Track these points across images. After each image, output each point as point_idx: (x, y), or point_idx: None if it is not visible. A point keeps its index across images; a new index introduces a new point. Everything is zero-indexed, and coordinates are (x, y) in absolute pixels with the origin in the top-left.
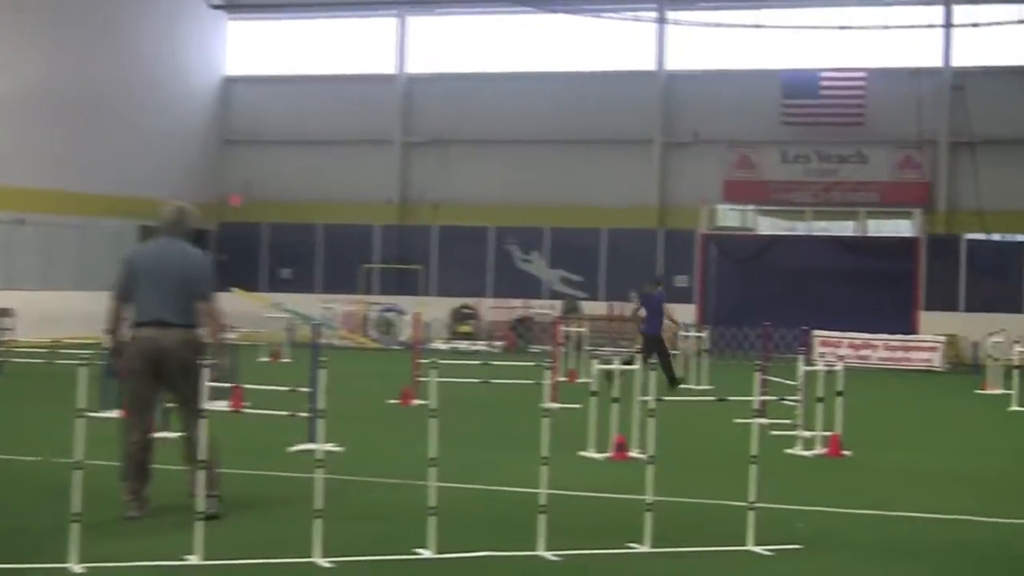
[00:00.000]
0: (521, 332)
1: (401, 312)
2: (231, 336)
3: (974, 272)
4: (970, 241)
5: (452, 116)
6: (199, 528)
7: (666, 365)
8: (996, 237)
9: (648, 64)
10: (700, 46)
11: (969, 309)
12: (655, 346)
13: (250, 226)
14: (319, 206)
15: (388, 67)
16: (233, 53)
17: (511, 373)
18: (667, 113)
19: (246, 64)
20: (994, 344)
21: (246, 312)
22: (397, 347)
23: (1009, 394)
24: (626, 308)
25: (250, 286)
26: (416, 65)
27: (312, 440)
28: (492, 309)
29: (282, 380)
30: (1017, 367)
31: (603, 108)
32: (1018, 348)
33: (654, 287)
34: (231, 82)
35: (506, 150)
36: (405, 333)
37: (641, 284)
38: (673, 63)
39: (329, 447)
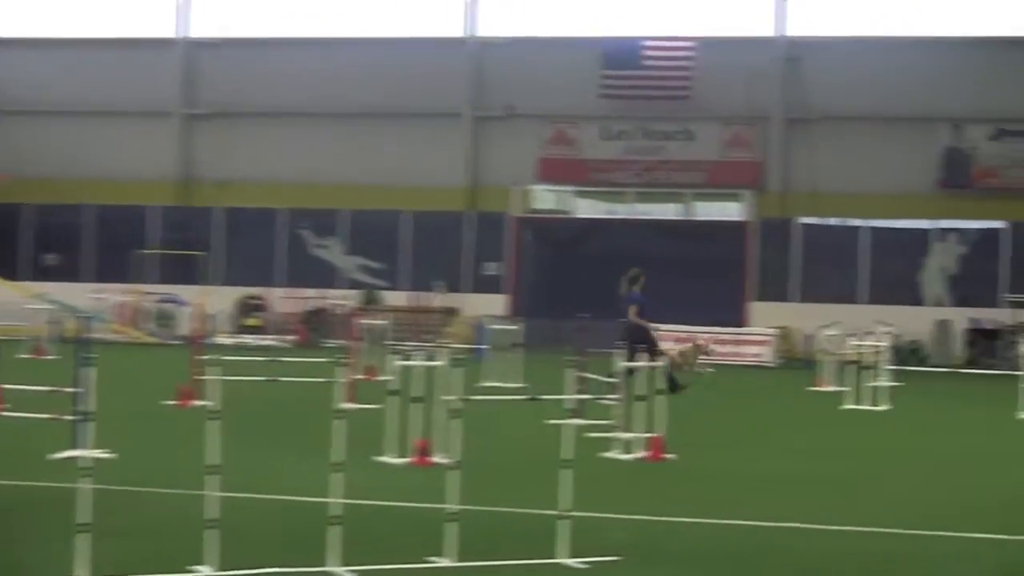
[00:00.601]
0: (315, 325)
1: (180, 303)
2: None
3: (808, 259)
4: (804, 225)
5: (239, 86)
6: None
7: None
8: (832, 221)
9: (456, 30)
10: (514, 11)
11: (802, 299)
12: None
13: (10, 207)
14: (89, 184)
15: (167, 31)
16: None
17: (303, 370)
18: (477, 84)
19: (8, 24)
20: (828, 338)
21: (5, 303)
22: (176, 342)
23: (843, 391)
24: (432, 299)
25: (8, 274)
26: (200, 29)
27: (78, 446)
28: (283, 300)
29: (45, 379)
30: (851, 362)
31: (407, 78)
32: (853, 342)
33: (628, 285)
34: None
35: (299, 124)
36: (185, 326)
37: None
38: (485, 29)
39: (97, 453)
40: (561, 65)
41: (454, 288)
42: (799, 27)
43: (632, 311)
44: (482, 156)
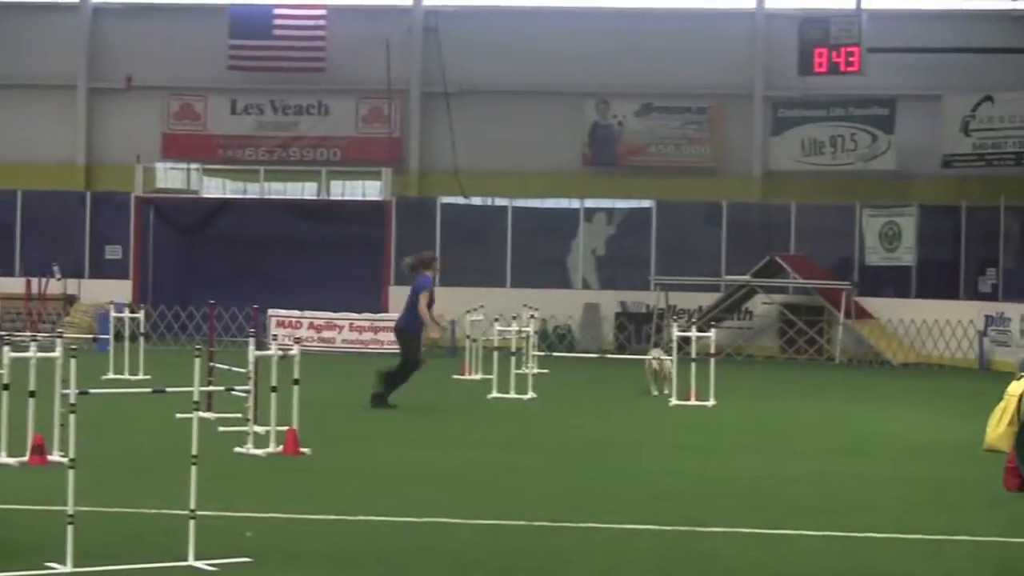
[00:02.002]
0: None
1: None
2: None
3: (450, 241)
4: (446, 205)
5: None
6: None
7: (397, 369)
8: (475, 201)
9: None
10: None
11: (445, 283)
12: (402, 343)
13: None
14: None
15: None
16: None
17: None
18: (93, 53)
19: None
20: (473, 323)
21: None
22: None
23: (490, 379)
24: (49, 285)
25: None
26: None
27: None
28: None
29: None
30: (498, 349)
31: (15, 47)
32: (499, 327)
33: (411, 270)
34: None
35: None
36: None
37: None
38: None
39: None
40: (186, 34)
41: (73, 274)
42: None
43: (424, 299)
44: (100, 131)
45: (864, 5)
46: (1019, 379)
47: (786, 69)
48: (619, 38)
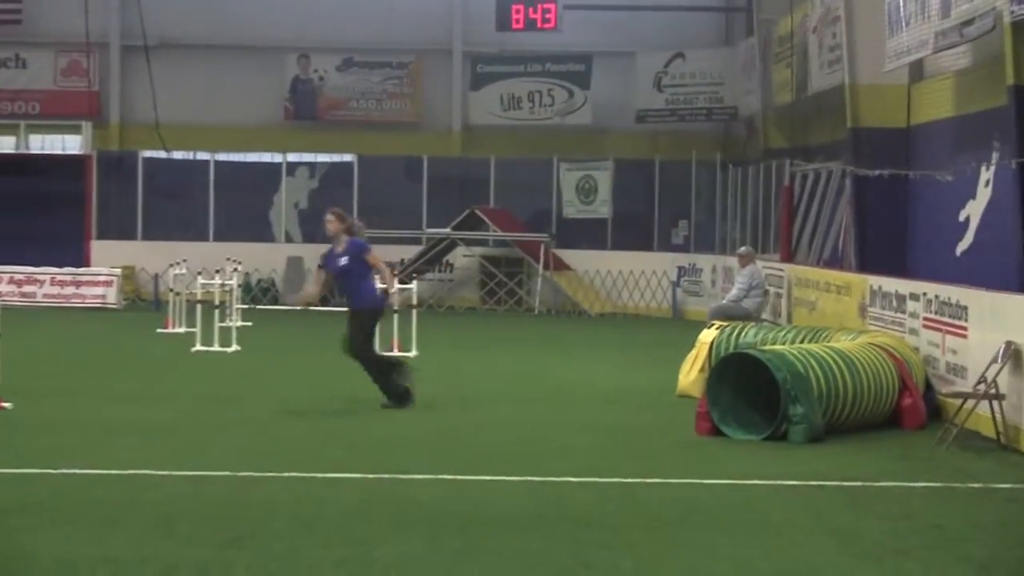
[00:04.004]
0: None
1: None
2: None
3: (152, 195)
4: (147, 159)
5: None
6: None
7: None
8: (177, 155)
9: None
10: None
11: (147, 238)
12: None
13: None
14: None
15: None
16: None
17: None
18: None
19: None
20: (176, 277)
21: None
22: None
23: (193, 332)
24: None
25: None
26: None
27: None
28: None
29: None
30: (201, 302)
31: None
32: (202, 281)
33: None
34: None
35: None
36: None
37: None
38: None
39: None
40: None
41: None
42: None
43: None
44: None
45: None
46: (710, 327)
47: (485, 25)
48: None
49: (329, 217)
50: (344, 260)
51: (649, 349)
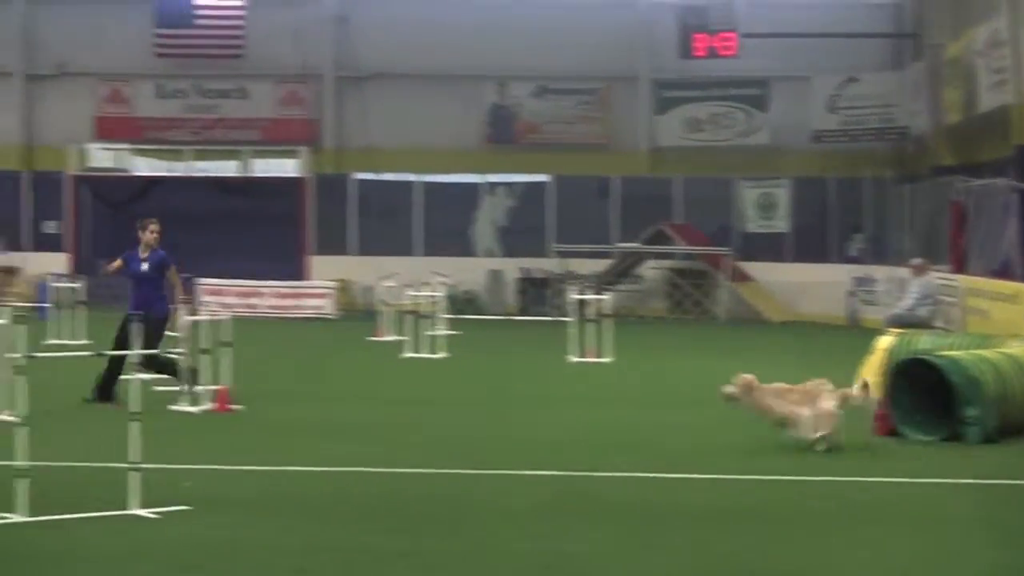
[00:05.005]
0: None
1: None
2: None
3: (364, 214)
4: (359, 181)
5: None
6: None
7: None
8: (386, 176)
9: None
10: None
11: (360, 253)
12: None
13: None
14: None
15: None
16: None
17: None
18: (28, 41)
19: None
20: (386, 289)
21: None
22: None
23: (402, 340)
24: None
25: None
26: None
27: None
28: None
29: None
30: (409, 312)
31: None
32: (410, 292)
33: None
34: None
35: None
36: None
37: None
38: None
39: None
40: (114, 23)
41: (14, 247)
42: None
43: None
44: (36, 115)
45: None
46: (886, 335)
47: (669, 53)
48: (516, 26)
49: (155, 228)
50: (145, 266)
51: (826, 355)
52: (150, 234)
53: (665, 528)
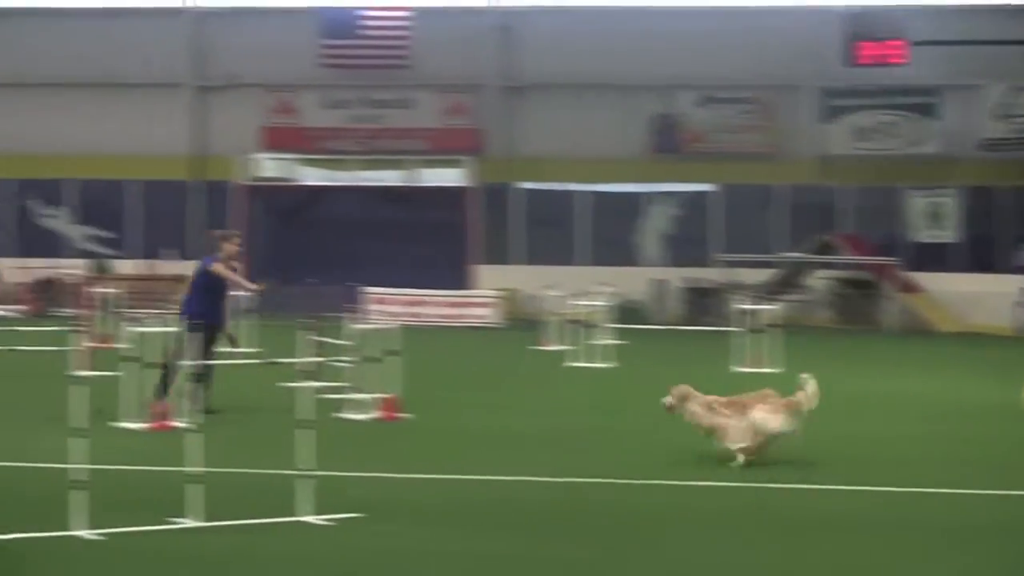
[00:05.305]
0: (45, 295)
1: None
2: None
3: (529, 223)
4: (523, 190)
5: None
6: None
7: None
8: (551, 186)
9: (174, 1)
10: None
11: (524, 262)
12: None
13: None
14: None
15: None
16: None
17: (36, 339)
18: (197, 55)
19: None
20: (551, 298)
21: None
22: None
23: (566, 349)
24: (162, 266)
25: None
26: None
27: None
28: (11, 270)
29: None
30: (574, 322)
31: (128, 49)
32: (574, 302)
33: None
34: None
35: (22, 94)
36: None
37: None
38: (204, 0)
39: None
40: (281, 35)
41: (184, 256)
42: None
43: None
44: (206, 125)
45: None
46: None
47: (834, 61)
48: (679, 35)
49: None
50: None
51: (995, 366)
52: (235, 247)
53: (848, 539)
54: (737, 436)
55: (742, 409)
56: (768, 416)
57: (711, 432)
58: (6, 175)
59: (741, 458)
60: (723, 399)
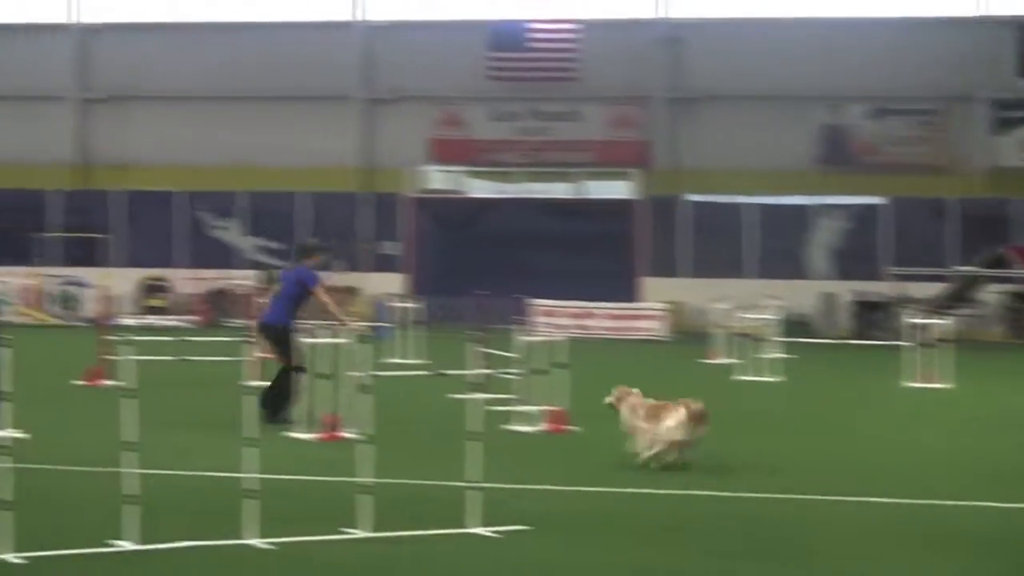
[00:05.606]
0: (217, 305)
1: (84, 285)
2: None
3: (696, 235)
4: (691, 203)
5: (134, 70)
6: None
7: (279, 382)
8: (718, 198)
9: (344, 14)
10: None
11: (692, 274)
12: (274, 340)
13: None
14: None
15: (60, 15)
16: None
17: (209, 349)
18: (366, 68)
19: None
20: (718, 311)
21: None
22: (80, 323)
23: (734, 363)
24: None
25: None
26: (91, 13)
27: None
28: (185, 281)
29: None
30: (742, 335)
31: (299, 62)
32: (742, 315)
33: (301, 259)
34: None
35: (194, 107)
36: (89, 308)
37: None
38: (372, 13)
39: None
40: (449, 48)
41: (353, 268)
42: (680, 9)
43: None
44: (375, 138)
45: None
46: None
47: (1007, 72)
48: (848, 45)
49: None
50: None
51: None
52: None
53: None
54: (643, 441)
55: (655, 414)
56: (673, 426)
57: (630, 433)
58: (179, 187)
59: (653, 463)
60: (651, 403)
